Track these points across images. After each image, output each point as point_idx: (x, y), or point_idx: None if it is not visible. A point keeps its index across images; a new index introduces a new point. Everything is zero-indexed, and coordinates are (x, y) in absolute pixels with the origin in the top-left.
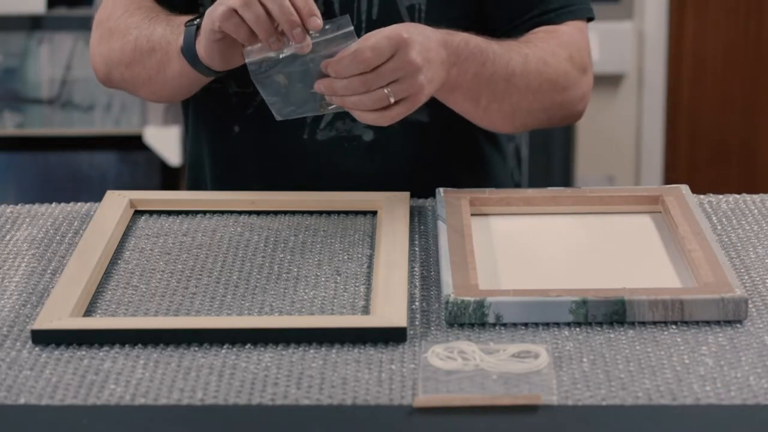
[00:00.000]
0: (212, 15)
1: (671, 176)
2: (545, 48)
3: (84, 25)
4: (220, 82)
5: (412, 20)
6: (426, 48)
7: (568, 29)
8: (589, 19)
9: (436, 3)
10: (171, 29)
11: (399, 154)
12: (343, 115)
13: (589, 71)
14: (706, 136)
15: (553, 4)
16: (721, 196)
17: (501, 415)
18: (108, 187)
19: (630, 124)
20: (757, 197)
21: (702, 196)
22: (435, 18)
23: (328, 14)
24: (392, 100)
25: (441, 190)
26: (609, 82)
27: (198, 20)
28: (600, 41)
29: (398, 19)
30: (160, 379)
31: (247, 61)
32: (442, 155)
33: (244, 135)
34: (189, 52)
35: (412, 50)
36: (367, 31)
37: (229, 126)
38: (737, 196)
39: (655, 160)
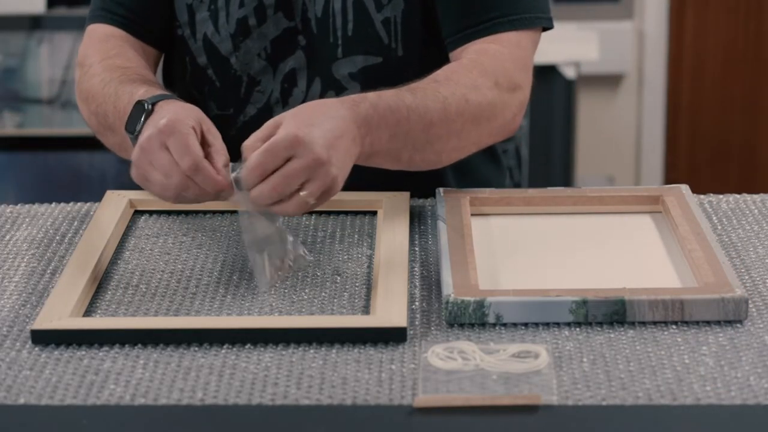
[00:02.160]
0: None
1: (671, 176)
2: (466, 82)
3: (84, 25)
4: (200, 104)
5: (388, 34)
6: (328, 134)
7: (497, 48)
8: (545, 29)
9: (410, 16)
10: (117, 114)
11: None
12: None
13: (522, 88)
14: (706, 136)
15: (493, 12)
16: (721, 196)
17: (501, 415)
18: (108, 187)
19: (630, 124)
20: (757, 197)
21: (702, 196)
22: (410, 31)
23: (305, 32)
24: (312, 201)
25: (441, 190)
26: (609, 82)
27: (137, 127)
28: (600, 41)
29: (373, 34)
30: (160, 379)
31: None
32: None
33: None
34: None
35: (312, 146)
36: (343, 49)
37: None
38: (737, 196)
39: (655, 160)
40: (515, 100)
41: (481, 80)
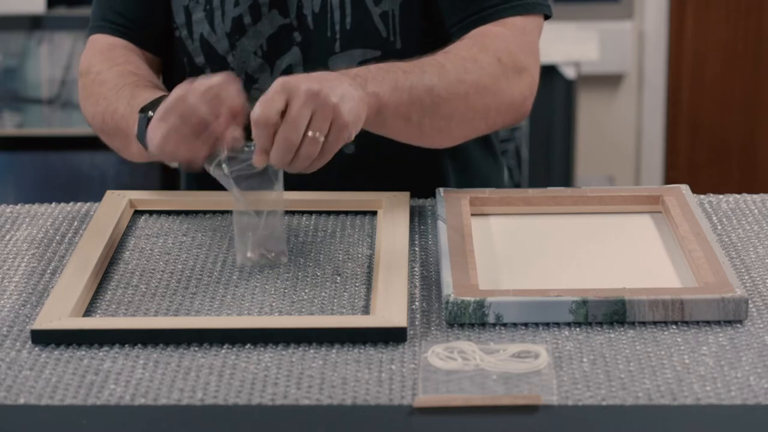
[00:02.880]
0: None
1: (671, 176)
2: (465, 56)
3: (84, 24)
4: None
5: (386, 27)
6: (316, 78)
7: (501, 30)
8: (546, 17)
9: (408, 9)
10: (131, 109)
11: (382, 163)
12: None
13: (528, 71)
14: (707, 136)
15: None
16: (721, 196)
17: (501, 415)
18: (108, 187)
19: (630, 124)
20: (757, 197)
21: (702, 196)
22: (408, 23)
23: (301, 28)
24: (321, 138)
25: (441, 189)
26: (609, 82)
27: (151, 111)
28: (600, 41)
29: (372, 28)
30: (160, 379)
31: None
32: (427, 160)
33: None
34: (143, 140)
35: (302, 84)
36: (341, 43)
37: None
38: (737, 196)
39: (655, 160)
40: (523, 81)
41: (480, 55)
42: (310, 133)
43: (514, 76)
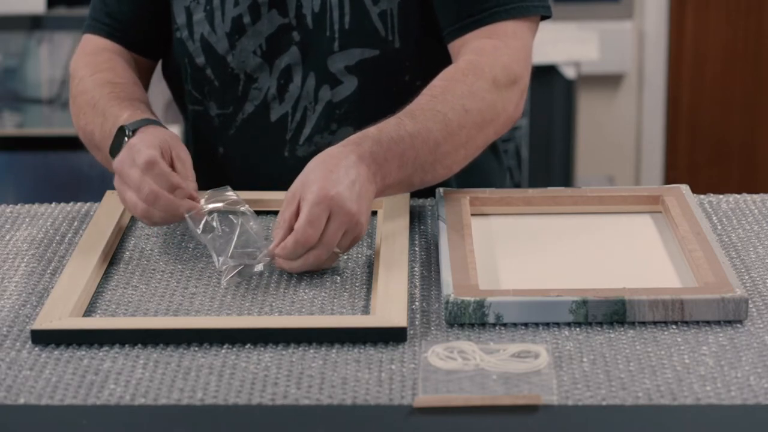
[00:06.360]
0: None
1: (671, 176)
2: (463, 91)
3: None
4: (201, 105)
5: (384, 27)
6: (352, 183)
7: (495, 43)
8: (543, 17)
9: (406, 8)
10: (103, 135)
11: None
12: (322, 130)
13: (521, 78)
14: (707, 136)
15: (489, 2)
16: (721, 196)
17: (501, 415)
18: (108, 187)
19: (630, 124)
20: (757, 197)
21: (702, 196)
22: (407, 23)
23: (300, 27)
24: (341, 252)
25: (441, 189)
26: (609, 82)
27: (120, 143)
28: (600, 41)
29: (370, 27)
30: (160, 379)
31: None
32: None
33: (228, 156)
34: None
35: (345, 203)
36: (340, 42)
37: (214, 147)
38: (737, 196)
39: (655, 160)
40: (515, 92)
41: (477, 84)
42: (336, 249)
43: (509, 90)
